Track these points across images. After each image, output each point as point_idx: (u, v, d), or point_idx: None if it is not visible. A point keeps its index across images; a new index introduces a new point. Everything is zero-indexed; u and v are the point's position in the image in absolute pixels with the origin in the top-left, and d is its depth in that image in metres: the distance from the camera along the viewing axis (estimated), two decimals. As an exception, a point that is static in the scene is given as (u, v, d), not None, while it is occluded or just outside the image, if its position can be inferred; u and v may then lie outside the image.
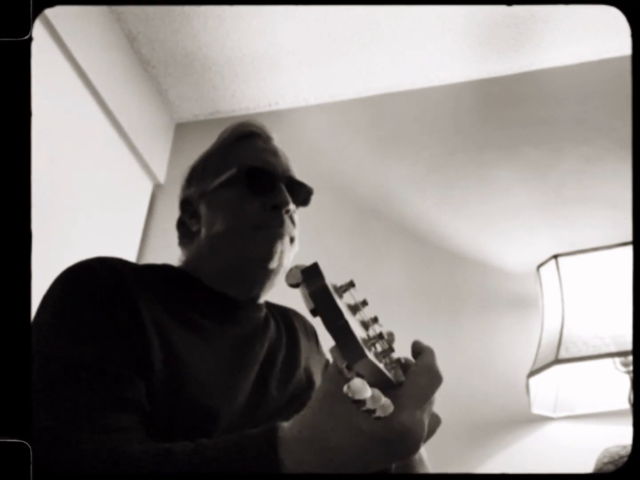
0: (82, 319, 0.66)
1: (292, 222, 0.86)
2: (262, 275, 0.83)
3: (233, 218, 0.83)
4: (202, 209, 0.87)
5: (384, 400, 0.44)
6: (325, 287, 0.45)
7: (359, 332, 0.46)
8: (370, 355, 0.44)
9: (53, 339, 0.64)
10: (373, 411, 0.43)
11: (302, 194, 0.90)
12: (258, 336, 0.84)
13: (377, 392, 0.43)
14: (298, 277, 0.47)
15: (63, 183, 1.66)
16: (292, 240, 0.86)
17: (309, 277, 0.46)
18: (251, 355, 0.80)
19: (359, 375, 0.43)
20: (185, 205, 0.91)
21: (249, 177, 0.84)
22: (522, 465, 1.46)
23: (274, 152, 0.90)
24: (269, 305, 0.94)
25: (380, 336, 0.49)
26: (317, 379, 0.90)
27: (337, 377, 0.49)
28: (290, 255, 0.86)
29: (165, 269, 0.86)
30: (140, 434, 0.60)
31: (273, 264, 0.82)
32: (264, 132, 0.93)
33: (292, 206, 0.85)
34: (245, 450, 0.51)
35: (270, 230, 0.82)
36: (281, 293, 0.93)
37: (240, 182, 0.85)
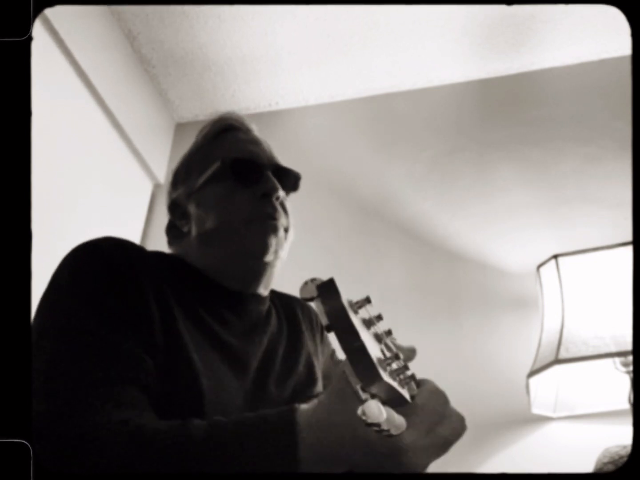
0: (93, 296, 0.66)
1: (284, 209, 0.85)
2: (258, 268, 0.82)
3: (224, 212, 0.82)
4: (192, 209, 0.86)
5: (398, 419, 0.43)
6: (342, 307, 0.45)
7: (374, 351, 0.45)
8: (385, 376, 0.44)
9: (66, 316, 0.64)
10: (387, 431, 0.43)
11: (290, 180, 0.88)
12: (258, 331, 0.83)
13: (391, 412, 0.43)
14: (313, 292, 0.46)
15: (63, 183, 1.66)
16: (286, 230, 0.85)
17: (325, 294, 0.46)
18: (250, 351, 0.79)
19: (373, 395, 0.42)
20: (174, 207, 0.89)
21: (234, 169, 0.83)
22: (522, 465, 1.46)
23: (256, 142, 0.89)
24: (273, 294, 0.93)
25: (396, 357, 0.49)
26: (321, 371, 0.89)
27: (345, 386, 0.49)
28: (287, 245, 0.85)
29: (169, 256, 0.86)
30: (150, 413, 0.60)
31: (269, 257, 0.81)
32: (242, 124, 0.92)
33: (281, 193, 0.84)
34: (262, 429, 0.52)
35: (263, 223, 0.81)
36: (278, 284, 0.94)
37: (226, 175, 0.83)
